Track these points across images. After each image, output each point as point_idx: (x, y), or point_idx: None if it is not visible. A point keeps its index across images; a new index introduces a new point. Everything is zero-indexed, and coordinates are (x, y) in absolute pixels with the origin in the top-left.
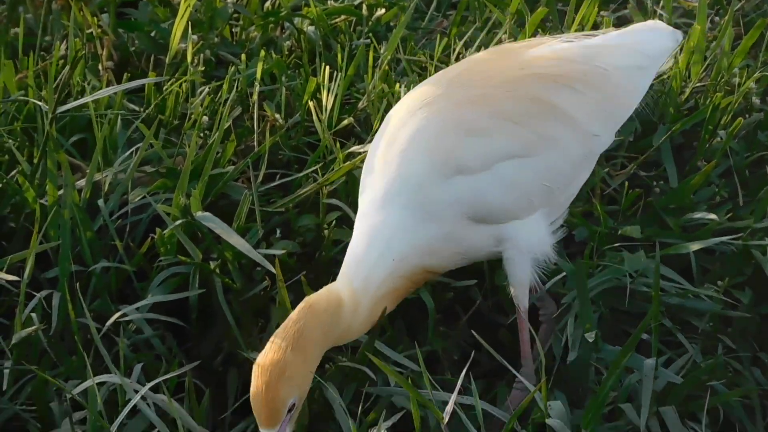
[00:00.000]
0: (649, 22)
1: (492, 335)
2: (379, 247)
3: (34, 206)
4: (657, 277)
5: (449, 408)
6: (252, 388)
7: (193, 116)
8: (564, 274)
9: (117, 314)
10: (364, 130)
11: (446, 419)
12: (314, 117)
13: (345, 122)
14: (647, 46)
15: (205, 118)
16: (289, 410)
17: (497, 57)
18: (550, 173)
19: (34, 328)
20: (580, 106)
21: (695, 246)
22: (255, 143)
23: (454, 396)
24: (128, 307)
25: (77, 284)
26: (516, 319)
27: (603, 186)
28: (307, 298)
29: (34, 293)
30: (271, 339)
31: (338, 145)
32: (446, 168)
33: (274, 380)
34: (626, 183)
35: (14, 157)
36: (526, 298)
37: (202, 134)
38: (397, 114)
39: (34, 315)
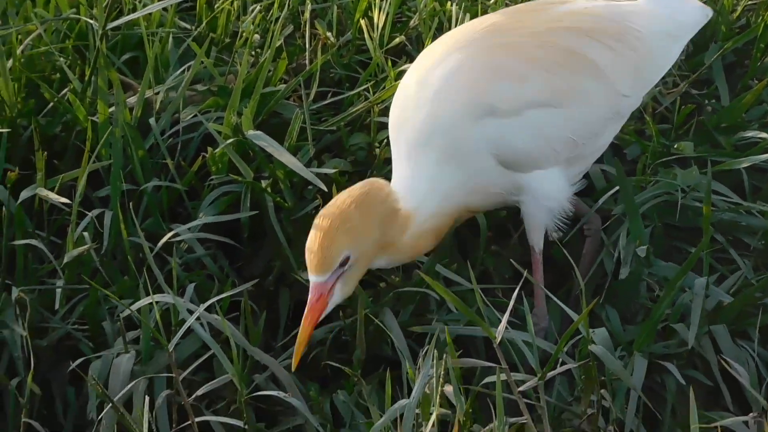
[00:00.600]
0: None
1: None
2: (424, 188)
3: (86, 124)
4: (708, 192)
5: (501, 328)
6: (311, 234)
7: (244, 34)
8: (617, 188)
9: (169, 234)
10: (416, 48)
11: (498, 339)
12: (366, 35)
13: (396, 40)
14: (680, 16)
15: (257, 36)
16: (342, 265)
17: (532, 9)
18: (578, 126)
19: (86, 247)
20: (612, 64)
21: (747, 162)
22: (306, 61)
23: (506, 317)
24: (180, 227)
25: (129, 203)
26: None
27: (655, 105)
28: (372, 178)
29: (86, 212)
30: (336, 197)
31: (390, 63)
32: (477, 109)
33: (333, 228)
34: (678, 101)
35: (66, 75)
36: (541, 240)
37: (253, 52)
38: (429, 55)
39: (86, 234)
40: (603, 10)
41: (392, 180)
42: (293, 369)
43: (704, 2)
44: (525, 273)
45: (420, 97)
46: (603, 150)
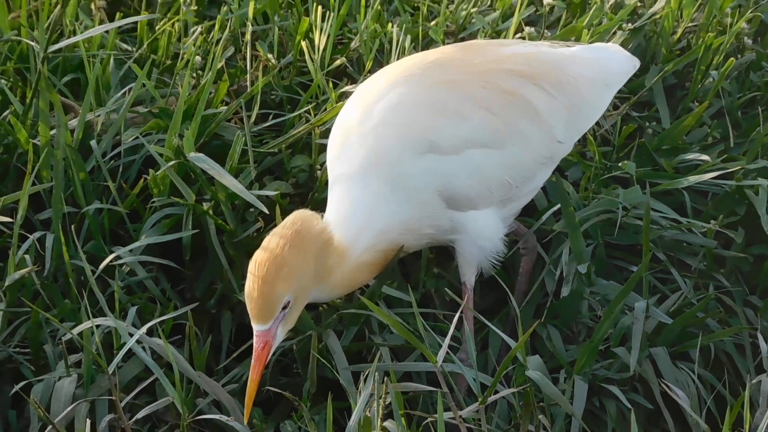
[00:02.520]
0: (610, 44)
1: (487, 274)
2: (362, 220)
3: (27, 147)
4: (647, 209)
5: (441, 353)
6: (248, 282)
7: (185, 56)
8: (558, 206)
9: (111, 256)
10: (357, 70)
11: (439, 363)
12: (307, 57)
13: (338, 62)
14: (611, 65)
15: (198, 58)
16: (284, 308)
17: (476, 48)
18: (514, 169)
19: (27, 269)
20: (550, 109)
21: (687, 183)
22: (248, 83)
23: (446, 342)
24: (122, 249)
25: (70, 226)
26: (517, 259)
27: (596, 127)
28: (300, 210)
29: (28, 235)
30: (269, 236)
31: (331, 85)
32: (419, 144)
33: (271, 275)
34: (619, 123)
35: (6, 97)
36: (473, 277)
37: (194, 74)
38: (371, 88)
39: (27, 257)
40: (543, 55)
41: (327, 211)
42: (245, 422)
43: (631, 49)
44: (462, 306)
45: (362, 129)
46: (535, 193)
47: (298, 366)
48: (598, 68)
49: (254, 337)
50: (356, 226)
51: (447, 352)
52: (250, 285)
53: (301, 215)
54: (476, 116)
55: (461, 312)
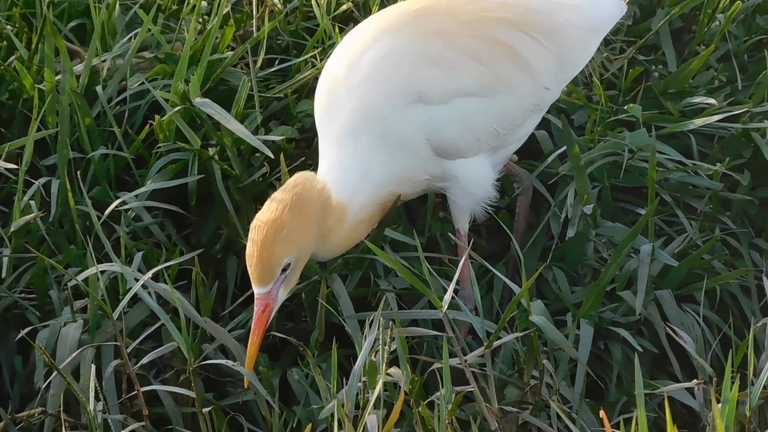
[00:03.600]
0: None
1: (490, 218)
2: (357, 177)
3: (32, 92)
4: (653, 152)
5: (447, 297)
6: (248, 246)
7: (191, 1)
8: (563, 148)
9: (116, 202)
10: (363, 14)
11: (444, 308)
12: (313, 1)
13: (344, 7)
14: (600, 11)
15: (204, 2)
16: (284, 270)
17: None
18: (502, 117)
19: (33, 215)
20: (538, 57)
21: (694, 124)
22: (254, 28)
23: (452, 286)
24: (127, 195)
25: (76, 172)
26: (516, 200)
27: (602, 70)
28: (302, 172)
29: (33, 180)
30: (269, 200)
31: (337, 29)
32: (407, 95)
33: (270, 237)
34: (625, 67)
35: (12, 43)
36: (467, 224)
37: (200, 19)
38: (359, 37)
39: (32, 202)
40: (530, 2)
41: (320, 169)
42: (245, 385)
43: None
44: (472, 239)
45: (349, 83)
46: (524, 139)
47: (306, 312)
48: (586, 14)
49: (255, 299)
50: (352, 183)
51: (453, 297)
52: (250, 249)
53: (302, 177)
54: (465, 66)
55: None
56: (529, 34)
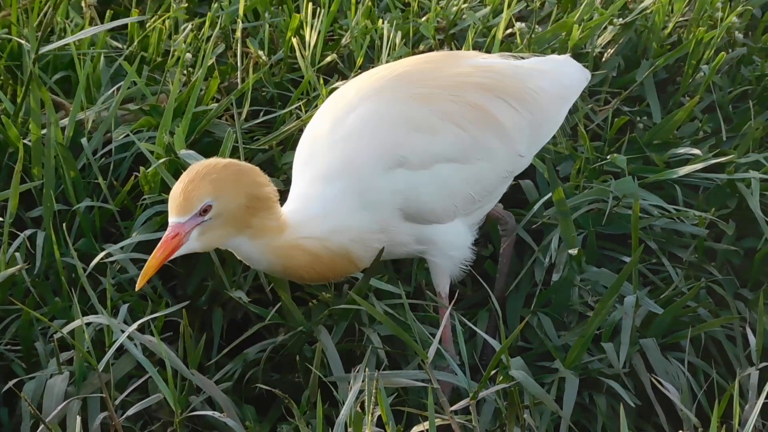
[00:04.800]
0: (563, 56)
1: (476, 267)
2: (316, 213)
3: (18, 144)
4: (637, 200)
5: (432, 348)
6: (176, 183)
7: (176, 53)
8: (549, 196)
9: (102, 254)
10: (348, 66)
11: (430, 359)
12: (297, 53)
13: (328, 59)
14: (568, 80)
15: (189, 55)
16: (203, 213)
17: (442, 60)
18: (479, 183)
19: (18, 267)
20: (515, 124)
21: (679, 173)
22: (238, 80)
23: (437, 338)
24: (113, 247)
25: (62, 224)
26: (500, 250)
27: (587, 122)
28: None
29: (18, 232)
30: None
31: (322, 81)
32: (390, 159)
33: (199, 175)
34: (610, 117)
35: None
36: (447, 286)
37: (185, 71)
38: (342, 100)
39: (17, 254)
40: (506, 68)
41: (287, 202)
42: (137, 288)
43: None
44: (456, 292)
45: (332, 137)
46: (495, 202)
47: (296, 365)
48: (555, 81)
49: (168, 228)
50: (308, 214)
51: (438, 348)
52: (177, 184)
53: (251, 165)
54: (447, 131)
55: (454, 302)
56: (506, 101)
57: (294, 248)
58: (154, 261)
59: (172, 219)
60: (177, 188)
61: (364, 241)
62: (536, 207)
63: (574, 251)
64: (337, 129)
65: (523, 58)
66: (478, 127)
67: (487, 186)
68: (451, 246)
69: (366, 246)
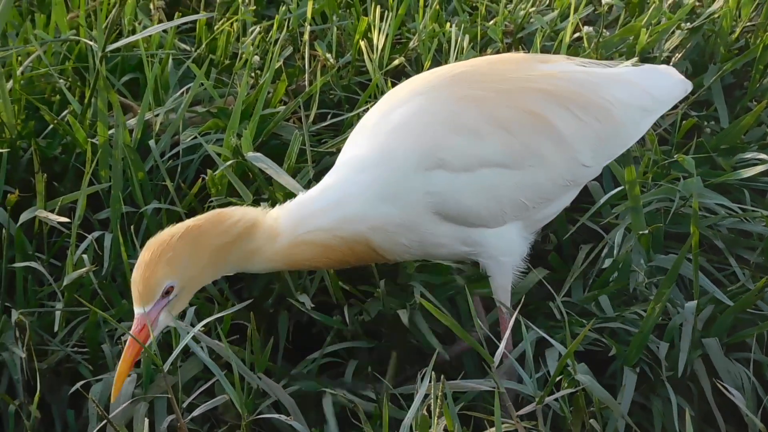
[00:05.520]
0: (663, 66)
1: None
2: (327, 201)
3: (85, 146)
4: (696, 203)
5: (499, 352)
6: (134, 268)
7: (244, 56)
8: (616, 191)
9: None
10: (415, 69)
11: (496, 363)
12: (365, 56)
13: (396, 62)
14: (657, 90)
15: (256, 57)
16: (167, 294)
17: (509, 63)
18: (530, 190)
19: (85, 269)
20: (576, 132)
21: (745, 175)
22: (306, 83)
23: (503, 342)
24: None
25: (129, 225)
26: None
27: (655, 126)
28: (218, 209)
29: (86, 234)
30: (168, 228)
31: (389, 84)
32: (427, 159)
33: (155, 258)
34: (678, 121)
35: (65, 97)
36: (508, 300)
37: (252, 74)
38: (397, 93)
39: (85, 256)
40: (579, 76)
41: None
42: (112, 400)
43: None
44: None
45: (377, 129)
46: (554, 216)
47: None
48: (641, 93)
49: (134, 319)
50: (316, 205)
51: (504, 352)
52: (135, 269)
53: (213, 214)
54: (493, 135)
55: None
56: (568, 108)
57: (294, 247)
58: (125, 363)
59: (135, 309)
60: (135, 274)
61: (388, 233)
62: (602, 201)
63: (644, 231)
64: (384, 121)
65: (610, 66)
66: (530, 133)
67: (542, 193)
68: (501, 251)
69: (389, 239)
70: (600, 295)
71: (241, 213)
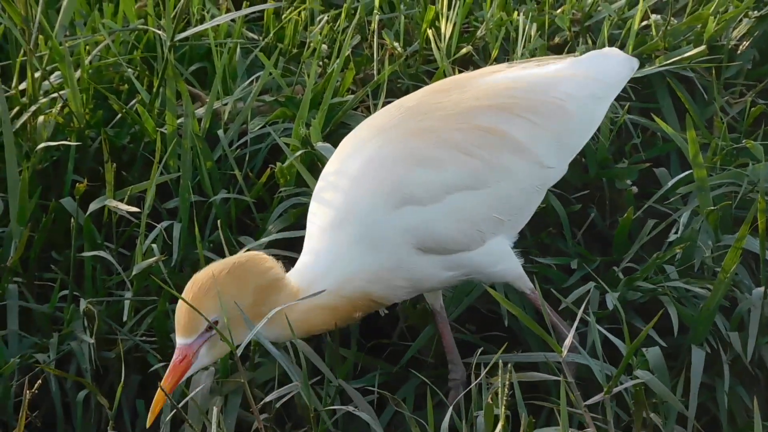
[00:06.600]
0: (605, 49)
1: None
2: (325, 266)
3: (154, 136)
4: (762, 190)
5: (567, 342)
6: (181, 299)
7: (312, 45)
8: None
9: (242, 251)
10: (482, 58)
11: (564, 353)
12: (433, 45)
13: (464, 50)
14: (603, 75)
15: (324, 46)
16: (210, 329)
17: (453, 86)
18: (502, 205)
19: (154, 259)
20: (534, 137)
21: None
22: (374, 72)
23: (572, 332)
24: (250, 241)
25: (197, 215)
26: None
27: (722, 114)
28: (252, 252)
29: (155, 224)
30: (212, 263)
31: (457, 72)
32: (395, 198)
33: (202, 292)
34: (747, 108)
35: (134, 86)
36: (527, 282)
37: (321, 63)
38: (349, 142)
39: (154, 246)
40: (524, 82)
41: (298, 261)
42: (147, 425)
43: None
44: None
45: (338, 183)
46: (532, 213)
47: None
48: (587, 81)
49: (176, 349)
50: (318, 270)
51: (573, 343)
52: (181, 300)
53: (250, 254)
54: (453, 160)
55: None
56: (521, 116)
57: (310, 311)
58: (161, 394)
59: (178, 340)
60: (181, 305)
61: (383, 281)
62: (670, 183)
63: (711, 207)
64: (342, 175)
65: (559, 60)
66: (489, 149)
67: (515, 204)
68: (489, 265)
69: (387, 285)
70: (664, 262)
71: (272, 263)
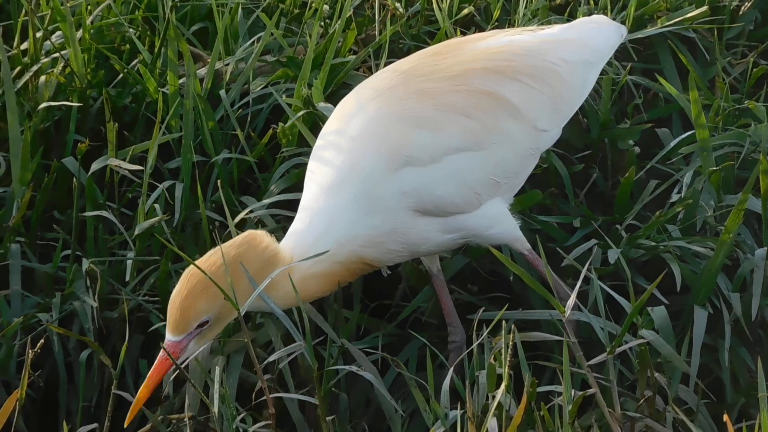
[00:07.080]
0: (594, 16)
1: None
2: (319, 230)
3: (156, 96)
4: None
5: (570, 302)
6: (174, 292)
7: (313, 5)
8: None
9: (245, 211)
10: (484, 18)
11: (567, 313)
12: (434, 6)
13: (465, 11)
14: (594, 41)
15: (326, 7)
16: (200, 326)
17: (449, 50)
18: (499, 167)
19: (157, 218)
20: (529, 101)
21: None
22: (376, 32)
23: (575, 292)
24: (253, 201)
25: (199, 175)
26: None
27: (724, 75)
28: (250, 231)
29: (157, 184)
30: (210, 252)
31: (458, 33)
32: (394, 160)
33: (197, 289)
34: (749, 69)
35: (135, 47)
36: (525, 243)
37: (322, 23)
38: (348, 103)
39: (157, 206)
40: (519, 46)
41: (291, 226)
42: (125, 425)
43: None
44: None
45: (339, 143)
46: (527, 176)
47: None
48: (580, 48)
49: (164, 344)
50: (311, 236)
51: (576, 302)
52: (176, 292)
53: (250, 236)
54: (452, 122)
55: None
56: (517, 79)
57: (307, 280)
58: (147, 389)
59: (168, 335)
60: (174, 301)
61: (377, 245)
62: (672, 144)
63: (713, 167)
64: (342, 135)
65: (543, 29)
66: (487, 111)
67: (511, 167)
68: (486, 227)
69: (380, 249)
70: (666, 222)
71: (268, 240)
